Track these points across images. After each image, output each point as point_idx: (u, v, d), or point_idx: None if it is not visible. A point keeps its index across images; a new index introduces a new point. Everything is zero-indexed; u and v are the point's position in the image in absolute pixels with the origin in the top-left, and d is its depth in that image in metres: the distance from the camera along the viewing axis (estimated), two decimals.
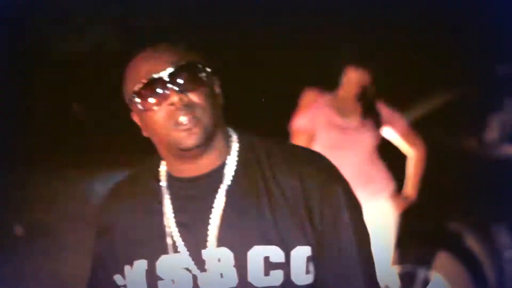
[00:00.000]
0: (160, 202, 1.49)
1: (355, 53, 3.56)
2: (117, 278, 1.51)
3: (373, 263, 1.53)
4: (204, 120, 1.43)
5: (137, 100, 1.44)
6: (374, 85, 3.46)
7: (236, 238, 1.44)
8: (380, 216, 3.54)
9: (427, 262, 3.81)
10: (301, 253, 1.43)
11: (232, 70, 5.51)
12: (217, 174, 1.48)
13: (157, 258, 1.46)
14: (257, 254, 1.43)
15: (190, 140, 1.42)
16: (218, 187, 1.46)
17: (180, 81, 1.43)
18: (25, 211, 4.75)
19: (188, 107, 1.41)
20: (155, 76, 1.42)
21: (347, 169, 3.47)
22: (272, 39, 5.66)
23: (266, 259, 1.42)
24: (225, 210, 1.45)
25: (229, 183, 1.47)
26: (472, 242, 3.73)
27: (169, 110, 1.42)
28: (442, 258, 3.76)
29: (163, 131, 1.44)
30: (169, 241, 1.47)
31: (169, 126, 1.43)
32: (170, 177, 1.51)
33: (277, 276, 1.43)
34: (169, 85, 1.42)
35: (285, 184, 1.46)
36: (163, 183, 1.51)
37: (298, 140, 3.48)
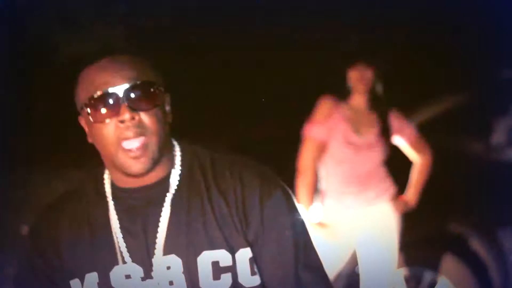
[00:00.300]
0: (106, 214, 1.48)
1: (356, 51, 3.56)
2: None
3: (316, 262, 1.52)
4: (152, 147, 1.42)
5: (88, 110, 1.42)
6: (380, 83, 3.46)
7: (184, 245, 1.45)
8: (383, 219, 3.54)
9: (433, 264, 3.81)
10: (245, 255, 1.44)
11: (232, 70, 5.51)
12: (162, 184, 1.49)
13: (109, 270, 1.45)
14: (206, 259, 1.44)
15: (136, 168, 1.41)
16: (164, 196, 1.47)
17: (134, 99, 1.41)
18: (25, 211, 4.74)
19: (138, 128, 1.40)
20: (110, 90, 1.41)
21: (352, 177, 3.48)
22: (273, 39, 5.65)
23: (215, 263, 1.43)
24: (171, 218, 1.45)
25: (174, 192, 1.47)
26: (478, 245, 3.72)
27: (118, 127, 1.40)
28: (448, 261, 3.75)
29: (111, 149, 1.43)
30: (118, 251, 1.46)
31: (116, 147, 1.42)
32: (115, 188, 1.50)
33: (227, 279, 1.44)
34: (123, 102, 1.40)
35: (227, 188, 1.48)
36: (108, 194, 1.50)
37: (309, 147, 3.47)
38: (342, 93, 3.51)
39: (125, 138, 1.41)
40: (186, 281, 1.43)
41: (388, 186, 3.55)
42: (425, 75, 4.87)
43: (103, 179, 1.54)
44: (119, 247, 1.47)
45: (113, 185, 1.52)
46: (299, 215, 1.55)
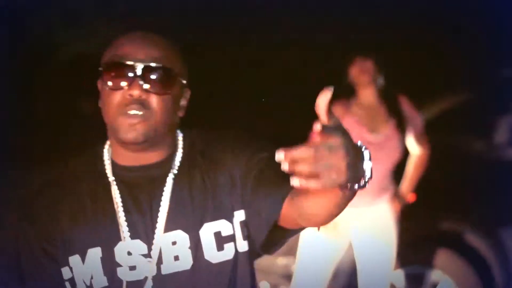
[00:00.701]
0: (107, 190, 1.50)
1: (355, 50, 3.56)
2: (64, 271, 1.50)
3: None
4: (151, 122, 1.44)
5: (105, 72, 1.45)
6: (382, 74, 3.45)
7: (187, 220, 1.47)
8: (381, 218, 3.53)
9: (435, 263, 3.80)
10: (238, 217, 1.47)
11: (232, 70, 5.51)
12: (162, 165, 1.51)
13: (113, 245, 1.46)
14: (208, 230, 1.45)
15: (130, 135, 1.44)
16: (166, 175, 1.49)
17: (148, 78, 1.44)
18: (25, 210, 4.74)
19: (144, 107, 1.42)
20: (128, 62, 1.43)
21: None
22: (273, 39, 5.65)
23: (217, 234, 1.46)
24: (173, 195, 1.48)
25: (175, 172, 1.47)
26: (480, 244, 3.73)
27: (126, 98, 1.42)
28: (450, 260, 3.75)
29: (113, 113, 1.44)
30: (121, 228, 1.47)
31: (119, 112, 1.43)
32: (114, 165, 1.52)
33: (230, 248, 1.48)
34: (137, 77, 1.43)
35: (221, 159, 1.52)
36: (108, 171, 1.52)
37: None
38: (348, 93, 3.49)
39: (128, 109, 1.44)
40: (192, 255, 1.45)
41: (388, 184, 3.55)
42: (425, 74, 4.88)
43: (102, 156, 1.56)
44: (123, 224, 1.48)
45: (113, 163, 1.54)
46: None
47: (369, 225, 3.52)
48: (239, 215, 1.49)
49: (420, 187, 3.61)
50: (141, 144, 1.46)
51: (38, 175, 1.59)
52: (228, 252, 1.48)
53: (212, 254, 1.47)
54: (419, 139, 3.59)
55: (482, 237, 3.74)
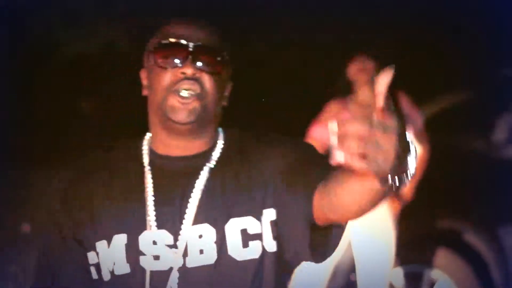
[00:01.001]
0: (141, 179, 1.50)
1: (355, 49, 3.55)
2: (91, 255, 1.50)
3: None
4: (203, 102, 1.44)
5: (155, 53, 1.46)
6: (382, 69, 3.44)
7: (217, 215, 1.45)
8: (381, 217, 3.54)
9: (433, 262, 3.81)
10: (268, 216, 1.46)
11: (232, 69, 5.52)
12: (201, 157, 1.50)
13: (139, 233, 1.46)
14: (235, 226, 1.44)
15: (182, 114, 1.44)
16: (202, 167, 1.47)
17: (202, 57, 1.45)
18: (26, 210, 4.75)
19: (196, 85, 1.43)
20: (182, 41, 1.44)
21: None
22: (273, 39, 5.66)
23: (243, 231, 1.44)
24: (206, 189, 1.47)
25: (212, 165, 1.49)
26: (479, 243, 3.73)
27: (177, 76, 1.42)
28: (448, 259, 3.76)
29: (163, 93, 1.44)
30: (149, 217, 1.47)
31: (170, 90, 1.43)
32: (154, 154, 1.52)
33: (256, 247, 1.45)
34: (190, 56, 1.44)
35: (256, 159, 1.50)
36: (145, 159, 1.52)
37: None
38: (346, 91, 3.48)
39: (180, 86, 1.44)
40: (216, 250, 1.44)
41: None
42: (425, 74, 4.88)
43: (141, 145, 1.56)
44: (151, 213, 1.48)
45: (151, 152, 1.54)
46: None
47: (368, 224, 3.53)
48: (269, 214, 1.46)
49: (419, 186, 3.61)
50: (191, 123, 1.46)
51: (73, 163, 1.60)
52: (254, 251, 1.46)
53: (236, 250, 1.45)
54: (419, 138, 3.59)
55: (481, 236, 3.74)
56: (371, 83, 3.77)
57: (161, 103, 1.47)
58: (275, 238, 1.47)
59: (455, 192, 3.82)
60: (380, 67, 3.46)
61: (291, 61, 5.54)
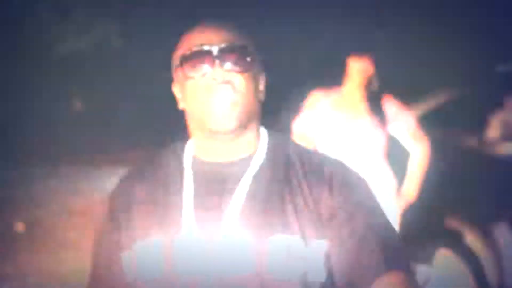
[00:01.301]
0: (181, 184, 1.49)
1: (356, 42, 3.54)
2: (126, 257, 1.49)
3: (392, 235, 1.43)
4: (240, 108, 1.42)
5: (182, 66, 1.44)
6: (377, 77, 3.43)
7: (257, 225, 1.42)
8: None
9: (428, 260, 3.82)
10: (319, 246, 1.40)
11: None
12: (244, 163, 1.48)
13: (174, 238, 1.45)
14: (278, 242, 1.40)
15: (223, 122, 1.41)
16: (243, 174, 1.46)
17: (228, 59, 1.43)
18: (24, 208, 4.76)
19: (228, 88, 1.42)
20: (206, 48, 1.43)
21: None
22: (273, 39, 5.66)
23: (287, 248, 1.41)
24: (247, 196, 1.44)
25: (254, 173, 1.47)
26: (474, 240, 3.73)
27: (209, 84, 1.42)
28: (444, 256, 3.76)
29: (198, 104, 1.44)
30: (188, 222, 1.47)
31: (206, 101, 1.43)
32: (196, 160, 1.51)
33: (297, 268, 1.39)
34: (216, 60, 1.43)
35: (313, 181, 1.45)
36: (187, 164, 1.51)
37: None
38: (336, 82, 3.46)
39: (215, 93, 1.43)
40: (253, 261, 1.41)
41: (387, 180, 3.54)
42: (423, 70, 4.88)
43: (183, 151, 1.56)
44: (189, 218, 1.47)
45: (194, 158, 1.53)
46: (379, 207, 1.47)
47: None
48: (320, 245, 1.39)
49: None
50: (234, 132, 1.45)
51: (122, 170, 1.62)
52: (293, 271, 1.39)
53: (275, 268, 1.39)
54: (414, 137, 3.58)
55: (478, 233, 3.75)
56: (363, 82, 3.71)
57: (199, 115, 1.46)
58: (325, 270, 1.43)
59: (452, 190, 3.82)
60: (377, 67, 3.46)
61: (291, 61, 5.54)
